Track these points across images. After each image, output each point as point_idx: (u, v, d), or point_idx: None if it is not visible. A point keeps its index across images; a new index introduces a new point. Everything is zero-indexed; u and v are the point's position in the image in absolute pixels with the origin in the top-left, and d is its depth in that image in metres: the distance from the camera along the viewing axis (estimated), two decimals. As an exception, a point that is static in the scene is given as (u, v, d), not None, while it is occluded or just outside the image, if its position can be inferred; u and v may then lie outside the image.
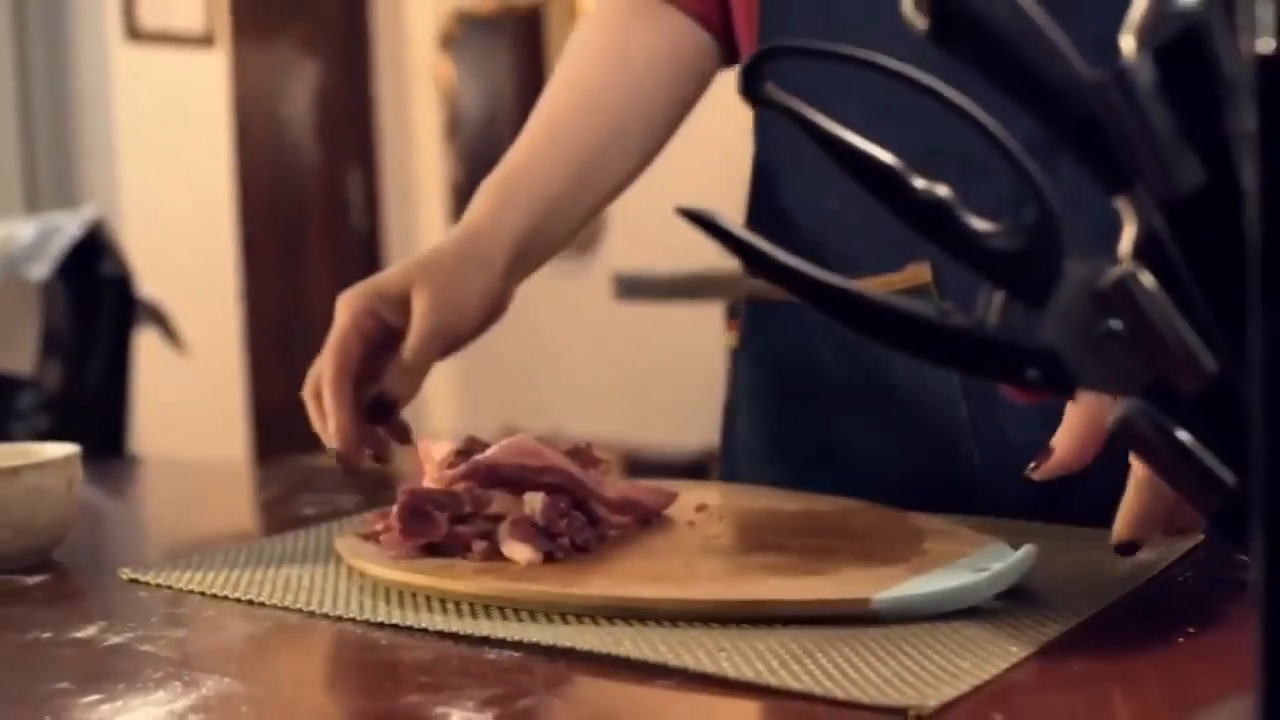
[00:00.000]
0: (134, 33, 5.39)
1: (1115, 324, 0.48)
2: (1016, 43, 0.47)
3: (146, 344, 3.15)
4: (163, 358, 3.74)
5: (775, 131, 1.02)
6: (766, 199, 1.04)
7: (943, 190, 0.51)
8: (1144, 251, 0.47)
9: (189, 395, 5.17)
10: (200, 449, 5.25)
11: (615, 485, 0.83)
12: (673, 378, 5.28)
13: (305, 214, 6.36)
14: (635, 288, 2.78)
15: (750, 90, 0.56)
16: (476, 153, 6.60)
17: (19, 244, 2.65)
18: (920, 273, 0.92)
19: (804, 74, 0.67)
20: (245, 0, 5.91)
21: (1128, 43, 0.46)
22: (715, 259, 4.19)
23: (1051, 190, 0.50)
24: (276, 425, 5.99)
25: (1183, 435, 0.48)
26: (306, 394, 0.97)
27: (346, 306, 0.93)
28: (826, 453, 0.99)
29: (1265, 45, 0.36)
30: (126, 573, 0.84)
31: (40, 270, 2.57)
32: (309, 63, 6.45)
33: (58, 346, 2.61)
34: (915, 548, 0.73)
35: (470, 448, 0.85)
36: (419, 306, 0.92)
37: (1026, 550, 0.68)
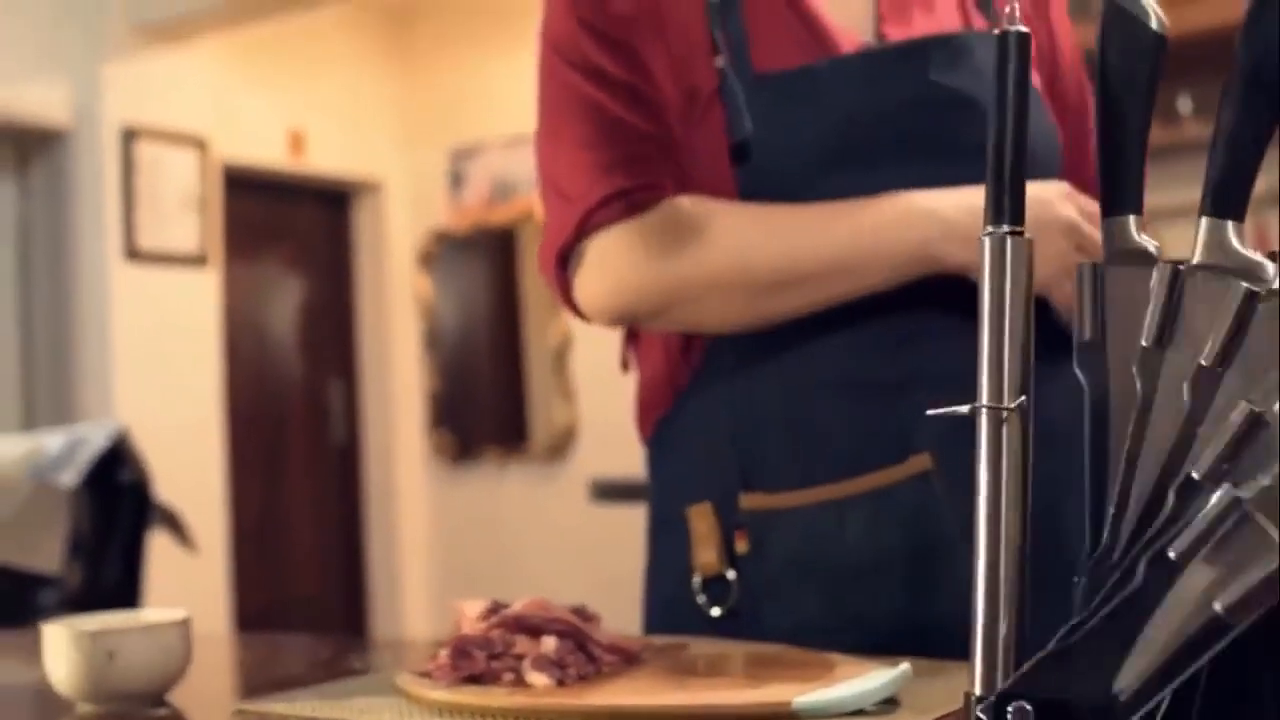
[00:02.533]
0: (133, 253, 5.71)
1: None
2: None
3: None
4: (155, 562, 3.97)
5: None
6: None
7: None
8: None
9: (175, 599, 5.37)
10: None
11: (606, 633, 1.10)
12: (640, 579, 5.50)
13: (288, 425, 6.63)
14: (611, 491, 3.08)
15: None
16: (453, 365, 6.90)
17: (47, 454, 2.91)
18: (921, 462, 1.20)
19: None
20: (236, 221, 6.25)
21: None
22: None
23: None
24: (258, 628, 6.17)
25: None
26: None
27: None
28: (858, 621, 1.20)
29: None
30: (237, 705, 1.10)
31: (70, 478, 2.83)
32: (294, 280, 6.79)
33: (81, 548, 2.85)
34: (827, 671, 1.01)
35: (496, 607, 1.13)
36: None
37: (903, 669, 0.95)
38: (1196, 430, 0.66)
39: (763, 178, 1.22)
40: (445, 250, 6.93)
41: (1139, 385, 0.69)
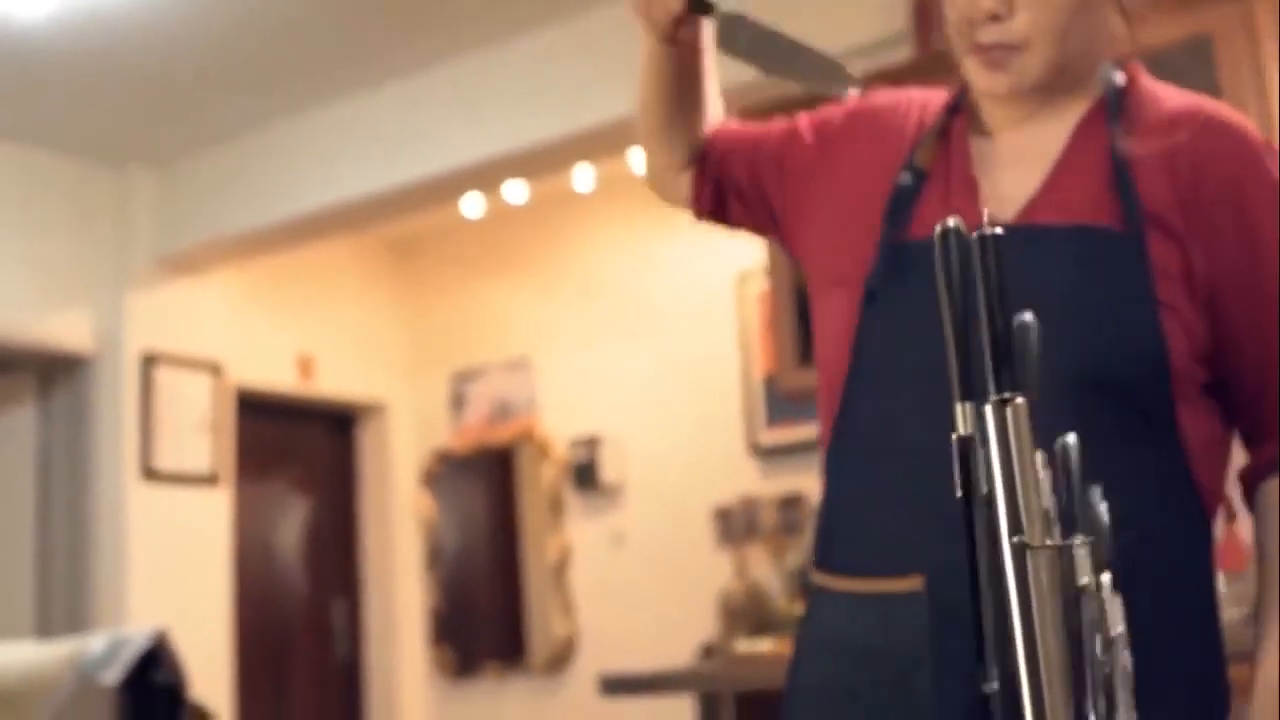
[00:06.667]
0: (149, 473, 5.90)
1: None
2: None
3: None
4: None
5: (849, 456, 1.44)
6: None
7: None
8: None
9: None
10: None
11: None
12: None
13: (293, 640, 6.74)
14: (620, 685, 3.27)
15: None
16: (455, 582, 7.03)
17: (90, 655, 3.08)
18: (916, 582, 1.32)
19: None
20: (248, 442, 6.45)
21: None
22: (675, 660, 4.57)
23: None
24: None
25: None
26: None
27: None
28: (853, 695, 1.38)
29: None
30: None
31: (113, 675, 3.00)
32: (302, 499, 6.98)
33: (120, 744, 3.01)
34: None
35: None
36: None
37: None
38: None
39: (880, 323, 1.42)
40: (447, 469, 7.11)
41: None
